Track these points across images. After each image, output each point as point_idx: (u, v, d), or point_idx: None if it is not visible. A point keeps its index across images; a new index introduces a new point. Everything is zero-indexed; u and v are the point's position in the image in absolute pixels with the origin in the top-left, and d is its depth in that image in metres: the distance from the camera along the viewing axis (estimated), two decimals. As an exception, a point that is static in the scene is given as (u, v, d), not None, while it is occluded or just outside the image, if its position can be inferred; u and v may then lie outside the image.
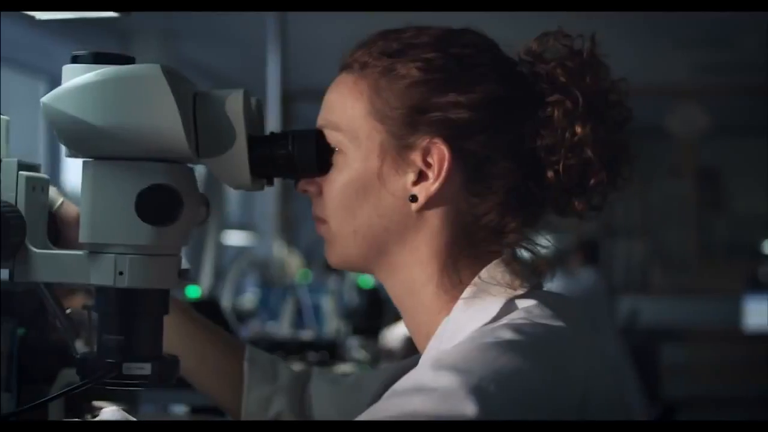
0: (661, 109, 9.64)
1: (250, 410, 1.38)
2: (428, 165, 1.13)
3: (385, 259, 1.16)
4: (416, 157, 1.13)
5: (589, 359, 1.09)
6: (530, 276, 1.15)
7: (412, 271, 1.15)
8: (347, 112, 1.15)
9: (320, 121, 1.18)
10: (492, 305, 1.11)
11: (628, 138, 1.19)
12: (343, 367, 2.95)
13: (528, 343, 1.03)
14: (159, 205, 1.14)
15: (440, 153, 1.12)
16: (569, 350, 1.07)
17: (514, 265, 1.14)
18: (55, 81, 8.92)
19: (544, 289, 1.19)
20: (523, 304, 1.11)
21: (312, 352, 3.01)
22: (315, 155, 1.17)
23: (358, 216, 1.15)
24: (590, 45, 1.17)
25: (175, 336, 1.36)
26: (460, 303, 1.13)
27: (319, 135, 1.17)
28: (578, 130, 1.13)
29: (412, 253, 1.15)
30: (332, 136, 1.16)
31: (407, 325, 1.19)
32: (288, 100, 6.81)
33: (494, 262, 1.14)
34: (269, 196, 4.72)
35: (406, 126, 1.13)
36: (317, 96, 1.24)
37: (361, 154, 1.14)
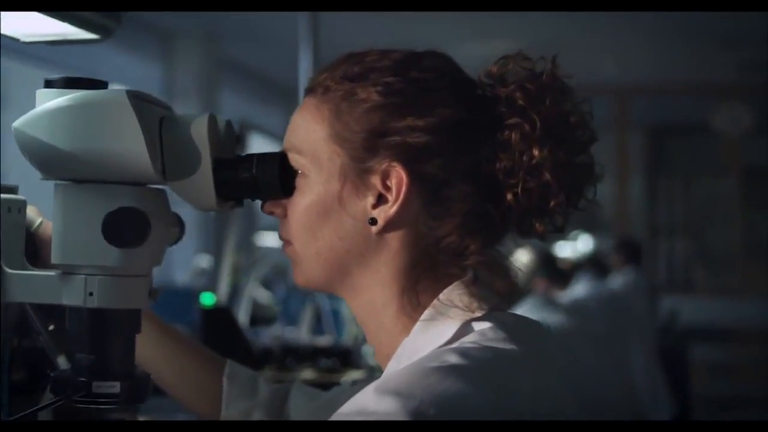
0: (707, 108, 9.57)
1: (228, 425, 1.40)
2: (387, 188, 1.14)
3: (348, 280, 1.18)
4: (376, 181, 1.14)
5: (538, 381, 1.10)
6: (491, 297, 1.16)
7: (373, 292, 1.17)
8: (309, 136, 1.17)
9: (285, 144, 1.20)
10: (448, 328, 1.12)
11: (592, 159, 1.20)
12: (354, 374, 2.97)
13: (473, 367, 1.04)
14: (125, 228, 1.16)
15: (398, 177, 1.13)
16: (516, 373, 1.07)
17: (474, 287, 1.15)
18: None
19: (509, 309, 1.20)
20: (479, 326, 1.12)
21: (324, 358, 3.04)
22: (278, 178, 1.19)
23: (320, 238, 1.17)
24: (551, 67, 1.18)
25: (154, 352, 1.39)
26: (418, 325, 1.14)
27: (283, 158, 1.19)
28: (536, 153, 1.13)
29: (374, 274, 1.16)
30: (295, 160, 1.18)
31: (371, 344, 1.21)
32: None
33: (454, 284, 1.15)
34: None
35: (365, 150, 1.14)
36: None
37: (322, 177, 1.16)
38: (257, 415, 1.41)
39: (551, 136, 1.15)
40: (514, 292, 1.19)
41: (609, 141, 10.57)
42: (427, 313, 1.14)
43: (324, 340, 3.39)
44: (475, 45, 8.85)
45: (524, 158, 1.14)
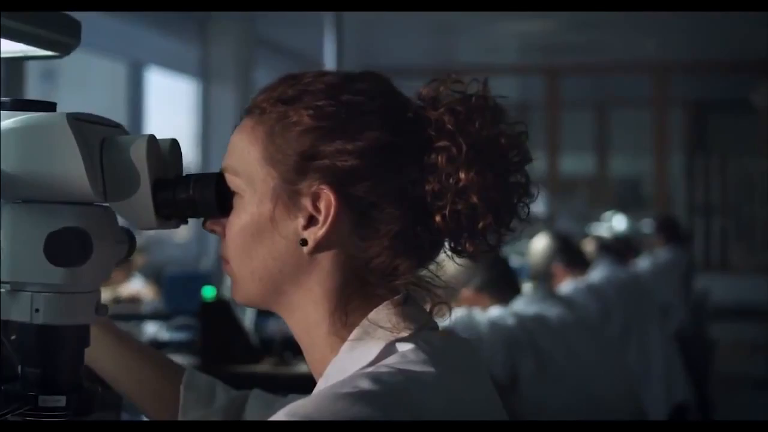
0: (746, 85, 9.47)
1: (184, 433, 1.43)
2: (318, 210, 1.16)
3: (283, 298, 1.21)
4: (306, 203, 1.17)
5: (456, 402, 1.12)
6: (420, 317, 1.18)
7: (306, 311, 1.20)
8: (244, 157, 1.20)
9: (223, 164, 1.23)
10: (373, 348, 1.14)
11: (527, 178, 1.21)
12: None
13: (383, 392, 1.06)
14: (67, 248, 1.20)
15: (327, 199, 1.16)
16: (428, 396, 1.09)
17: (402, 308, 1.17)
18: (134, 65, 9.11)
19: (446, 327, 1.22)
20: (403, 347, 1.14)
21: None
22: (214, 199, 1.22)
23: (254, 258, 1.19)
24: (481, 89, 1.19)
25: (112, 362, 1.43)
26: (345, 345, 1.16)
27: (220, 178, 1.22)
28: (462, 176, 1.15)
29: (307, 293, 1.19)
30: (231, 180, 1.21)
31: (307, 362, 1.24)
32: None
33: (384, 304, 1.17)
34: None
35: (296, 172, 1.17)
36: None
37: (256, 198, 1.19)
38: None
39: (479, 159, 1.16)
40: (445, 310, 1.21)
41: (648, 118, 10.50)
42: (354, 333, 1.17)
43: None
44: (514, 23, 8.84)
45: (451, 181, 1.15)
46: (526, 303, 2.84)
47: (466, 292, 2.93)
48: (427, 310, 1.21)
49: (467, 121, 1.17)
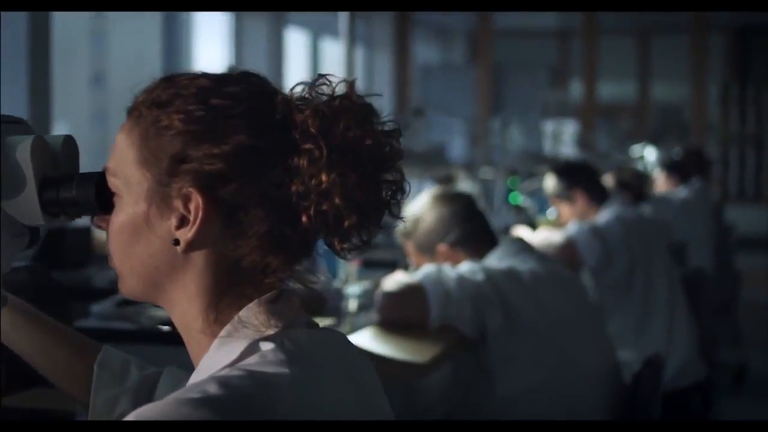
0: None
1: (96, 411, 1.49)
2: (189, 211, 1.21)
3: (163, 295, 1.26)
4: (178, 204, 1.21)
5: (313, 404, 1.15)
6: (290, 314, 1.22)
7: (184, 308, 1.24)
8: (122, 159, 1.24)
9: (107, 164, 1.27)
10: (237, 347, 1.19)
11: (398, 176, 1.24)
12: (324, 322, 3.03)
13: (228, 396, 1.09)
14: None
15: (196, 201, 1.20)
16: (277, 400, 1.12)
17: (270, 305, 1.21)
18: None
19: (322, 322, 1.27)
20: (266, 346, 1.18)
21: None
22: (95, 198, 1.27)
23: (133, 256, 1.24)
24: (348, 91, 1.22)
25: (26, 342, 1.49)
26: (215, 342, 1.21)
27: (102, 178, 1.26)
28: (324, 178, 1.18)
29: (183, 291, 1.24)
30: (110, 181, 1.25)
31: (191, 357, 1.28)
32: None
33: (254, 302, 1.22)
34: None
35: (168, 175, 1.21)
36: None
37: (132, 199, 1.23)
38: (124, 402, 1.49)
39: (342, 161, 1.19)
40: (318, 307, 1.26)
41: (686, 43, 10.33)
42: (224, 330, 1.21)
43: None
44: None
45: (314, 182, 1.19)
46: (498, 258, 2.85)
47: (442, 248, 2.95)
48: (300, 306, 1.25)
49: (332, 123, 1.20)
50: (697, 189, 7.13)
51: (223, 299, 1.23)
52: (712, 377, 4.65)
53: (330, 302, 2.86)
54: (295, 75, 9.34)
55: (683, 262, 5.61)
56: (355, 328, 2.77)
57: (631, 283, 4.33)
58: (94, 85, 9.00)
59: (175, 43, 8.94)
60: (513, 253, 2.85)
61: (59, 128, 5.74)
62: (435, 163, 4.33)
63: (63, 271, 3.11)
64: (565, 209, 4.64)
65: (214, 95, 1.22)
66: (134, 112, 1.25)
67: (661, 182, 7.37)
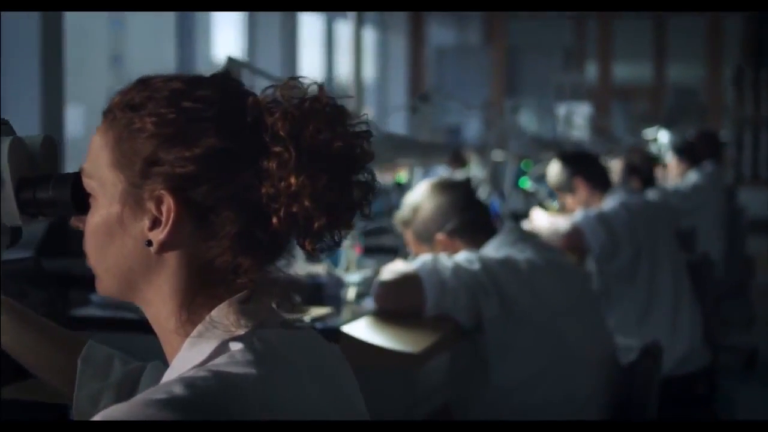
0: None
1: (80, 407, 1.51)
2: (161, 213, 1.22)
3: (138, 294, 1.27)
4: (150, 206, 1.22)
5: (279, 404, 1.17)
6: (261, 314, 1.24)
7: (158, 308, 1.26)
8: (97, 161, 1.26)
9: (82, 165, 1.29)
10: (207, 347, 1.20)
11: (369, 176, 1.25)
12: (318, 311, 3.03)
13: (192, 398, 1.10)
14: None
15: (168, 203, 1.21)
16: (242, 401, 1.14)
17: (241, 306, 1.23)
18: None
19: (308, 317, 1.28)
20: (235, 347, 1.20)
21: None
22: (71, 199, 1.29)
23: (108, 256, 1.26)
24: (318, 93, 1.23)
25: (12, 338, 1.51)
26: (186, 342, 1.23)
27: (78, 179, 1.28)
28: (293, 181, 1.19)
29: (157, 291, 1.26)
30: (86, 182, 1.27)
31: (166, 356, 1.30)
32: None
33: (225, 302, 1.23)
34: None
35: (141, 177, 1.22)
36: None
37: (106, 200, 1.25)
38: (107, 397, 1.51)
39: (311, 164, 1.20)
40: (291, 307, 1.27)
41: (701, 25, 10.28)
42: (195, 330, 1.23)
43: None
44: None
45: (283, 185, 1.20)
46: (496, 247, 2.86)
47: (440, 237, 2.96)
48: (274, 306, 1.27)
49: (301, 125, 1.21)
50: (709, 172, 7.11)
51: (196, 299, 1.24)
52: (723, 361, 4.65)
53: (329, 290, 2.88)
54: (309, 57, 9.36)
55: (692, 246, 5.61)
56: (356, 316, 2.80)
57: (636, 272, 4.33)
58: (112, 66, 9.03)
59: (191, 25, 8.96)
60: (511, 243, 2.86)
61: (75, 110, 5.76)
62: (439, 151, 4.33)
63: (66, 260, 3.13)
64: (568, 199, 4.64)
65: (185, 98, 1.23)
66: (109, 114, 1.27)
67: (672, 166, 7.35)
